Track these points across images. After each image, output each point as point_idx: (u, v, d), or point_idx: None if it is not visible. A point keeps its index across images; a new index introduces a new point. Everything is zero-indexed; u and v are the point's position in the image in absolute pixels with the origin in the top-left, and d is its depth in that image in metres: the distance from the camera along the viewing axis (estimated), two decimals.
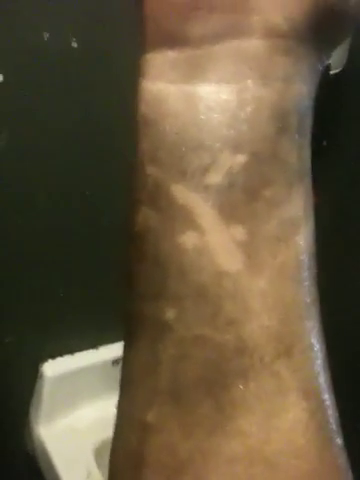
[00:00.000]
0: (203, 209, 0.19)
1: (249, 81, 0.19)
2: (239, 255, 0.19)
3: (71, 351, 0.76)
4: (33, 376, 0.75)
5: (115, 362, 0.77)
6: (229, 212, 0.19)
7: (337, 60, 0.72)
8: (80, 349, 0.77)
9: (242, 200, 0.19)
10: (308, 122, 0.21)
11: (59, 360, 0.76)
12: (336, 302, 0.89)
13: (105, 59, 0.63)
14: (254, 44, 0.19)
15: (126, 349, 0.22)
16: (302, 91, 0.20)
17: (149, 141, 0.20)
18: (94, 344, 0.78)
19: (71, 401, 0.77)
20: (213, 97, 0.19)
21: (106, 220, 0.71)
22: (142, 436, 0.20)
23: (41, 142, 0.64)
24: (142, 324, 0.21)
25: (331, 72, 0.72)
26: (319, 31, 0.20)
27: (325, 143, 0.84)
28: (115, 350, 0.77)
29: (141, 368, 0.21)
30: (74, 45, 0.61)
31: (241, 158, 0.19)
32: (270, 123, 0.20)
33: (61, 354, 0.76)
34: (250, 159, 0.19)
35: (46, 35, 0.60)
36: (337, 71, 0.72)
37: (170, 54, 0.20)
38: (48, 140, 0.64)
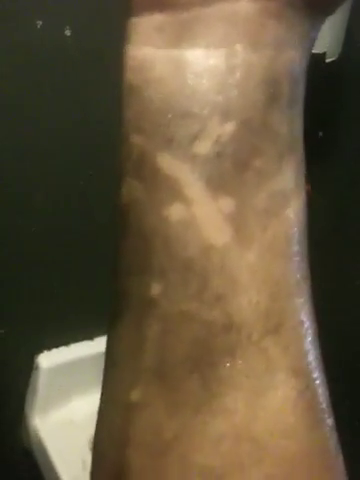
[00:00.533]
0: (190, 180, 0.19)
1: (239, 45, 0.19)
2: (227, 228, 0.19)
3: (66, 342, 0.76)
4: (28, 368, 0.75)
5: None
6: (217, 183, 0.19)
7: (332, 48, 0.71)
8: (75, 340, 0.77)
9: (231, 171, 0.19)
10: (300, 92, 0.20)
11: (54, 351, 0.75)
12: (336, 302, 0.89)
13: (99, 47, 0.62)
14: (244, 7, 0.19)
15: (111, 328, 0.21)
16: (294, 58, 0.20)
17: (134, 109, 0.20)
18: (90, 335, 0.78)
19: (67, 392, 0.77)
20: (201, 62, 0.19)
21: (101, 214, 0.71)
22: (126, 415, 0.20)
23: (32, 133, 0.64)
24: (127, 300, 0.20)
25: (326, 60, 0.71)
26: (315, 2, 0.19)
27: (321, 134, 0.84)
28: None
29: (126, 346, 0.20)
30: (67, 33, 0.61)
31: (230, 126, 0.19)
32: (260, 90, 0.19)
33: (56, 345, 0.76)
34: (239, 128, 0.19)
35: (39, 23, 0.59)
36: (333, 59, 0.72)
37: (157, 18, 0.19)
38: (40, 131, 0.64)
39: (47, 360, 0.74)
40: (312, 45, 0.21)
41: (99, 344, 0.78)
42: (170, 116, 0.19)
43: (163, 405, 0.19)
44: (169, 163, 0.19)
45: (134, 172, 0.20)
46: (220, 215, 0.19)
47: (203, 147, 0.19)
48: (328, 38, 0.69)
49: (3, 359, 0.73)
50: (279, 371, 0.19)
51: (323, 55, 0.70)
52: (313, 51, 0.21)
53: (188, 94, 0.19)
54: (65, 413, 0.77)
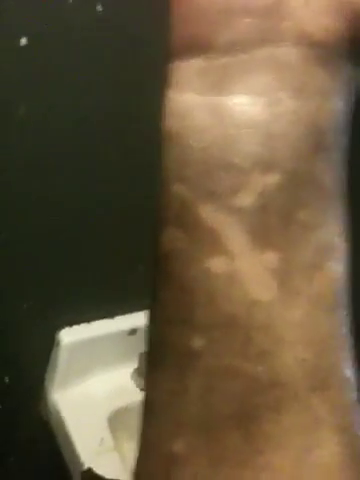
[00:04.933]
0: (233, 232, 0.18)
1: (282, 93, 0.18)
2: (272, 283, 0.18)
3: (88, 320, 0.77)
4: (50, 343, 0.76)
5: (131, 332, 0.78)
6: (261, 236, 0.18)
7: None
8: (97, 318, 0.77)
9: (275, 224, 0.18)
10: (345, 140, 0.20)
11: (76, 328, 0.76)
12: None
13: (130, 23, 0.61)
14: (288, 53, 0.18)
15: (150, 373, 0.21)
16: (338, 106, 0.19)
17: (174, 157, 0.19)
18: (111, 314, 0.78)
19: (86, 369, 0.78)
20: (243, 110, 0.18)
21: (123, 194, 0.71)
22: (168, 467, 0.19)
23: (62, 110, 0.64)
24: (168, 350, 0.20)
25: None
26: (358, 43, 0.19)
27: None
28: (131, 320, 0.78)
29: (167, 396, 0.20)
30: (99, 8, 0.60)
31: (274, 178, 0.18)
32: (305, 140, 0.18)
33: (78, 322, 0.76)
34: (284, 179, 0.18)
35: None
36: None
37: (198, 62, 0.19)
38: (71, 108, 0.64)
39: (68, 336, 0.75)
40: (356, 92, 0.20)
41: (119, 323, 0.78)
42: (212, 167, 0.18)
43: (206, 458, 0.19)
44: (212, 215, 0.18)
45: (176, 221, 0.19)
46: (265, 270, 0.18)
47: (246, 200, 0.18)
48: None
49: (25, 334, 0.74)
50: (325, 428, 0.19)
51: None
52: None
53: (230, 144, 0.18)
54: (84, 389, 0.77)
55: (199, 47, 0.19)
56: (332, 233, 0.19)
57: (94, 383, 0.78)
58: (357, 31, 0.18)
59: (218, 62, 0.19)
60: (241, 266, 0.18)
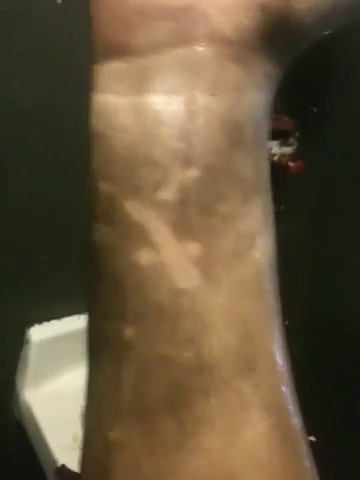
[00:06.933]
0: (157, 226, 0.19)
1: (197, 91, 0.19)
2: (195, 272, 0.19)
3: (58, 316, 0.76)
4: (19, 341, 0.75)
5: None
6: (183, 228, 0.19)
7: None
8: (67, 314, 0.77)
9: (196, 216, 0.19)
10: (264, 132, 0.20)
11: (46, 325, 0.75)
12: (328, 275, 0.89)
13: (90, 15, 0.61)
14: (200, 52, 0.19)
15: (90, 367, 0.22)
16: (256, 101, 0.20)
17: (100, 156, 0.20)
18: (81, 309, 0.78)
19: (58, 366, 0.77)
20: (161, 109, 0.19)
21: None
22: (108, 453, 0.20)
23: (20, 103, 0.63)
24: (104, 343, 0.21)
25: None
26: (272, 39, 0.19)
27: (315, 110, 0.83)
28: None
29: (104, 387, 0.21)
30: (59, 1, 0.60)
31: (193, 173, 0.19)
32: (222, 135, 0.19)
33: (48, 319, 0.76)
34: (203, 173, 0.19)
35: None
36: (326, 33, 0.71)
37: (117, 65, 0.20)
38: (28, 99, 0.63)
39: (38, 333, 0.74)
40: (277, 84, 0.21)
41: None
42: (134, 164, 0.19)
43: (142, 445, 0.19)
44: (137, 210, 0.19)
45: (104, 218, 0.20)
46: (187, 260, 0.19)
47: (167, 194, 0.19)
48: None
49: None
50: (252, 408, 0.19)
51: None
52: None
53: (151, 142, 0.19)
54: (56, 386, 0.77)
55: (117, 50, 0.20)
56: (254, 222, 0.20)
57: (66, 380, 0.78)
58: (269, 26, 0.19)
59: (136, 64, 0.19)
60: (166, 257, 0.19)
